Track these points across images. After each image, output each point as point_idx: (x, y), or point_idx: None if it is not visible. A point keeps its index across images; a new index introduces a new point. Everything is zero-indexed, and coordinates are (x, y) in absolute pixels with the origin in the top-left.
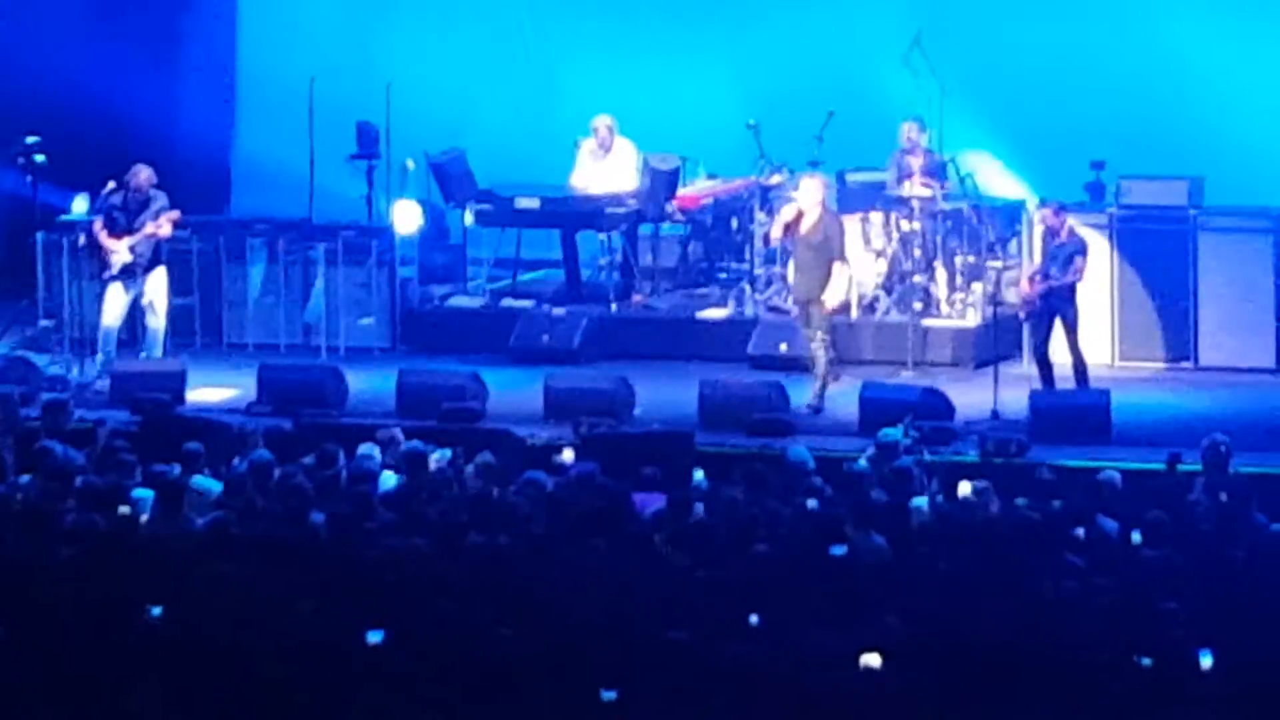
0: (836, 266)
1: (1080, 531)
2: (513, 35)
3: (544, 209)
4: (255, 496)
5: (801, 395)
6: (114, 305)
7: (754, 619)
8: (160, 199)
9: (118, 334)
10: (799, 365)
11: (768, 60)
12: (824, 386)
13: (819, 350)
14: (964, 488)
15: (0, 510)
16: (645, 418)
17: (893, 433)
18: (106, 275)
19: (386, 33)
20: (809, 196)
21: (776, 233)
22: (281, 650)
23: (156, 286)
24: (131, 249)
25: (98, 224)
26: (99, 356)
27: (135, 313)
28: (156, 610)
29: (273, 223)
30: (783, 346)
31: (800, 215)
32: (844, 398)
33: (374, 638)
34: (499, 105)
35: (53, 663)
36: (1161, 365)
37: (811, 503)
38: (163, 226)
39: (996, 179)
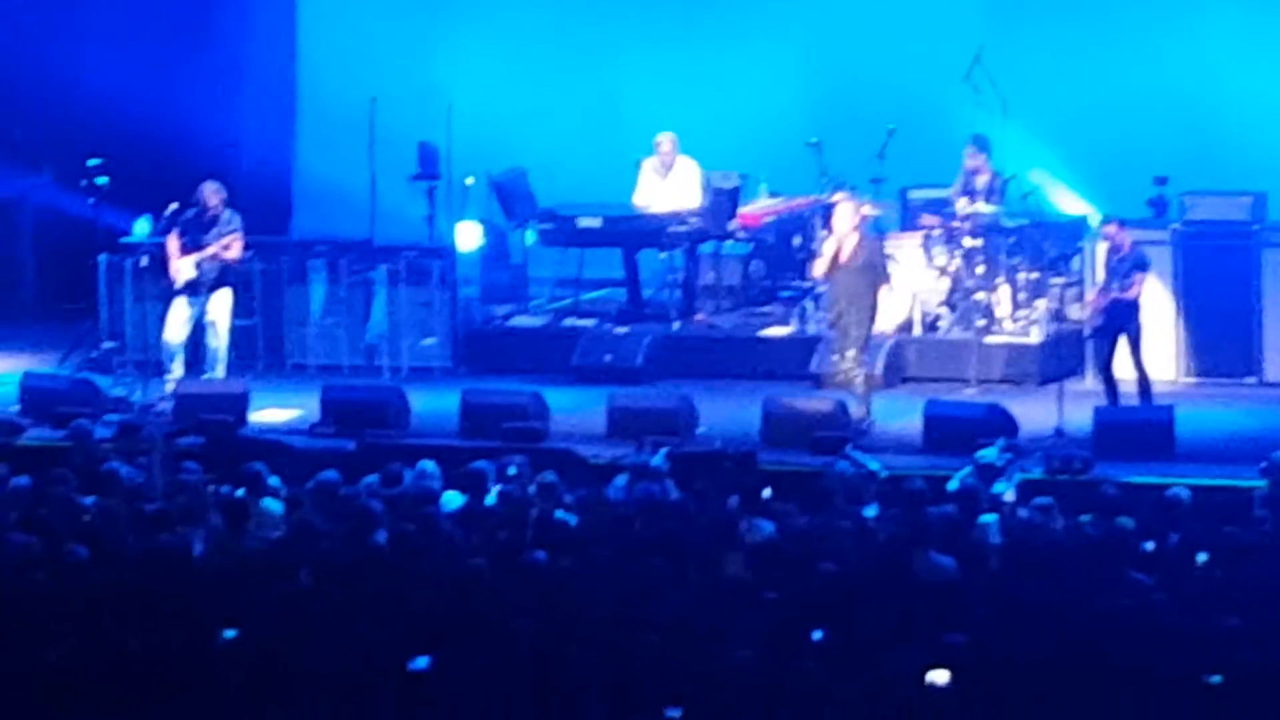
0: (883, 292)
1: (1149, 547)
2: (574, 54)
3: (606, 228)
4: (318, 517)
5: None
6: (176, 320)
7: (817, 635)
8: (234, 220)
9: (184, 353)
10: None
11: (829, 78)
12: (869, 404)
13: (854, 371)
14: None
15: (68, 533)
16: (708, 436)
17: (989, 454)
18: (172, 289)
19: (447, 53)
20: (843, 223)
21: (821, 270)
22: (344, 672)
23: (220, 306)
24: (196, 265)
25: (171, 237)
26: (168, 375)
27: (198, 333)
28: (230, 633)
29: (334, 244)
30: None
31: (840, 245)
32: (907, 415)
33: (419, 664)
34: (560, 124)
35: (120, 684)
36: (1225, 381)
37: (871, 510)
38: (230, 249)
39: (1058, 196)
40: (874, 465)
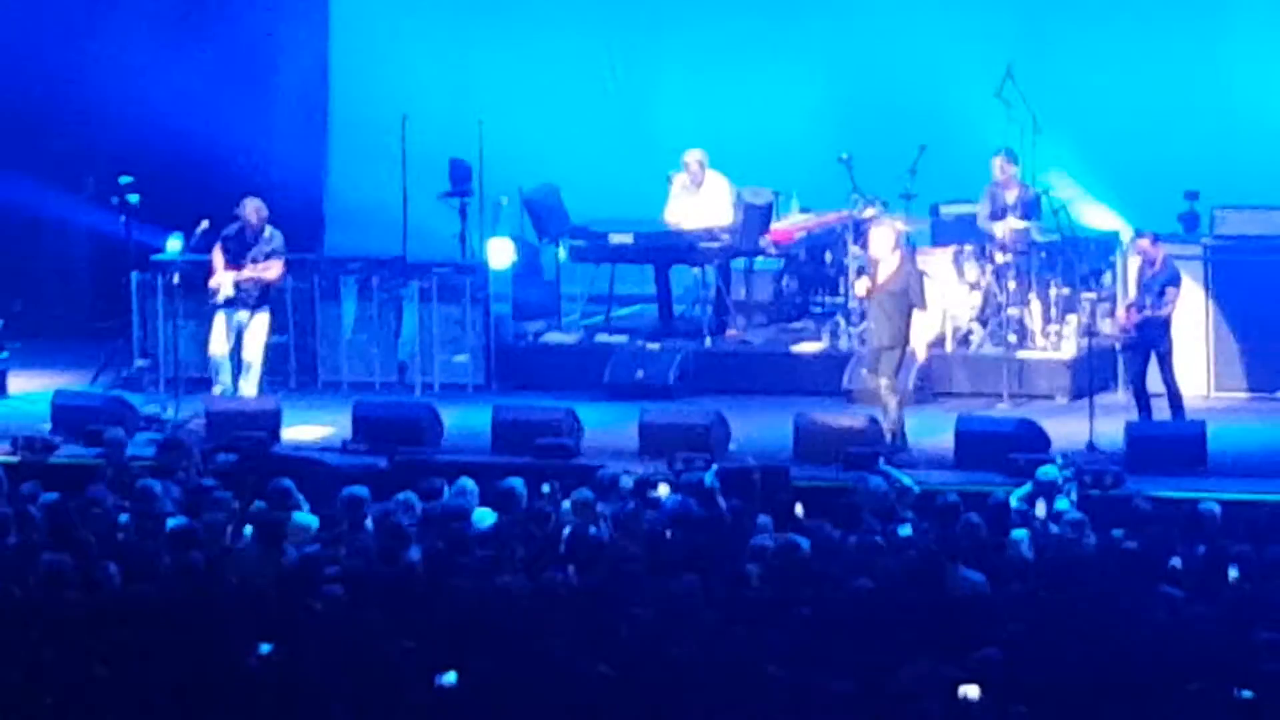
0: (916, 314)
1: (1177, 562)
2: (603, 71)
3: (637, 244)
4: (351, 533)
5: None
6: (218, 334)
7: (848, 651)
8: (275, 239)
9: (230, 364)
10: None
11: (861, 94)
12: (901, 429)
13: (889, 396)
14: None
15: (101, 549)
16: (741, 452)
17: (1050, 471)
18: (212, 303)
19: (478, 70)
20: (881, 247)
21: (862, 290)
22: (375, 688)
23: (256, 327)
24: (236, 285)
25: (217, 250)
26: (216, 388)
27: (233, 349)
28: (265, 648)
29: (366, 260)
30: None
31: (878, 267)
32: (939, 431)
33: (448, 678)
34: (591, 140)
35: (153, 702)
36: (1257, 395)
37: (906, 530)
38: (269, 270)
39: (1086, 208)
40: (907, 481)
